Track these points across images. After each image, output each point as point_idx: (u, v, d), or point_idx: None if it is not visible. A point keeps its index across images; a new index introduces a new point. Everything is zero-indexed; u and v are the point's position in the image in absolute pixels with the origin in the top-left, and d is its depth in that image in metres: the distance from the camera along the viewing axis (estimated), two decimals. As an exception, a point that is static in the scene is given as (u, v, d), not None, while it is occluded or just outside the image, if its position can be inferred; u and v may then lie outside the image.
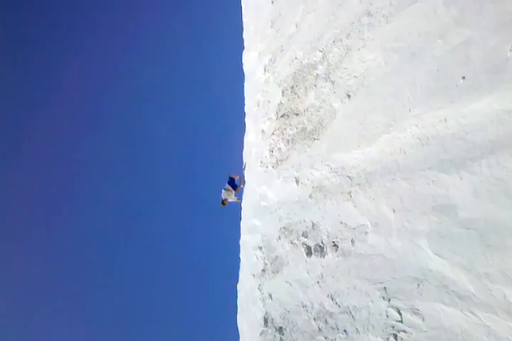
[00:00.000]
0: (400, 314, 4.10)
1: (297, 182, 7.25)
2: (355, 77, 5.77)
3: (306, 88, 7.89)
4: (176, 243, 42.89)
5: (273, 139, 9.65)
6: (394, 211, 4.40)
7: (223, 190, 13.02)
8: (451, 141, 3.77)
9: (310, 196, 6.59)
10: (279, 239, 7.72)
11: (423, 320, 3.84)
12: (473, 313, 3.35)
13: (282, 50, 10.44)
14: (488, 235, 3.27)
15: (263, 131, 10.69)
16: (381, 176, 4.73)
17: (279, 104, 9.84)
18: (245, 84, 15.41)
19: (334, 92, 6.47)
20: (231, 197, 12.99)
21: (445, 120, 3.82)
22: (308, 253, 6.23)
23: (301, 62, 8.57)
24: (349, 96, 5.90)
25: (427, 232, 3.89)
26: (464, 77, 3.70)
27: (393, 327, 4.14)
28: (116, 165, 44.66)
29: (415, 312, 3.93)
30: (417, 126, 4.18)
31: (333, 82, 6.55)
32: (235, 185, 13.02)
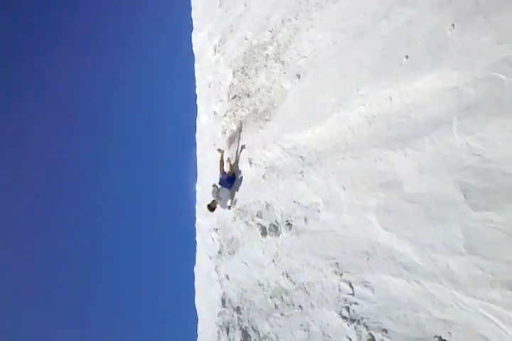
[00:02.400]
0: (351, 287, 4.25)
1: (250, 163, 7.27)
2: (305, 57, 5.80)
3: (256, 69, 7.86)
4: (131, 228, 42.26)
5: (225, 121, 9.59)
6: (344, 188, 4.51)
7: (213, 187, 8.60)
8: (396, 119, 3.89)
9: (263, 177, 6.64)
10: (235, 220, 7.77)
11: (373, 291, 4.00)
12: (418, 283, 3.52)
13: (232, 30, 10.30)
14: (432, 208, 3.43)
15: (215, 113, 10.60)
16: (332, 155, 4.82)
17: (230, 86, 9.76)
18: (196, 65, 15.13)
19: (284, 73, 6.48)
20: (222, 202, 8.50)
21: (390, 99, 3.93)
22: (263, 233, 6.31)
23: (251, 43, 8.50)
24: (299, 76, 5.93)
25: (375, 208, 4.03)
26: (407, 56, 3.80)
27: (345, 300, 4.29)
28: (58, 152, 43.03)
29: (366, 284, 4.09)
30: (364, 105, 4.28)
31: (283, 63, 6.56)
32: (230, 181, 8.51)
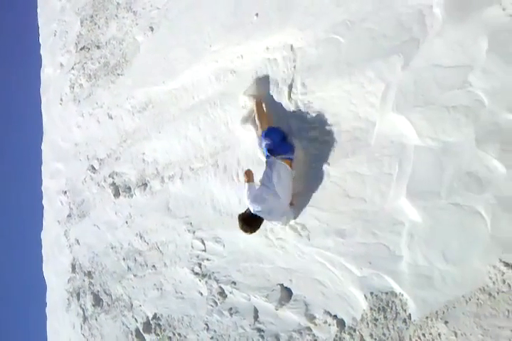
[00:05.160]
0: (203, 244, 4.34)
1: (98, 122, 6.80)
2: (158, 8, 5.47)
3: (107, 18, 7.22)
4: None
5: (73, 74, 8.73)
6: (194, 146, 4.51)
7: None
8: (246, 77, 3.94)
9: (118, 134, 6.27)
10: (85, 181, 7.28)
11: (224, 246, 4.14)
12: (265, 236, 3.73)
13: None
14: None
15: (62, 65, 9.57)
16: (188, 111, 4.73)
17: (78, 36, 8.84)
18: (38, 10, 13.33)
19: (137, 24, 6.06)
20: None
21: (241, 56, 3.94)
22: (116, 194, 6.03)
23: (101, -12, 7.74)
24: (152, 29, 5.60)
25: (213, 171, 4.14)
26: (257, 14, 3.80)
27: (198, 257, 4.37)
28: None
29: (217, 240, 4.21)
30: (216, 61, 4.23)
31: (135, 13, 6.11)
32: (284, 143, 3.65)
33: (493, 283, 2.47)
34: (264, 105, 3.76)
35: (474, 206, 2.58)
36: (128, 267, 5.46)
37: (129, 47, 6.15)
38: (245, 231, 3.34)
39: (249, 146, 3.92)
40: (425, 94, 2.84)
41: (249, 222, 3.33)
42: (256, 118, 3.75)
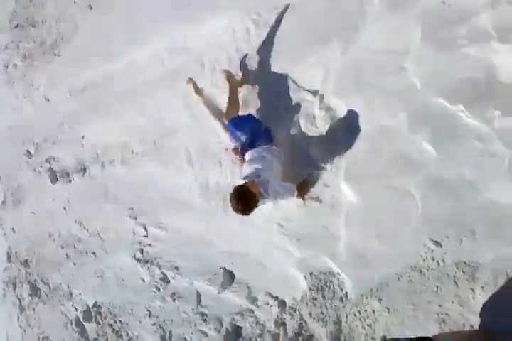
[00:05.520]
0: (145, 229, 4.25)
1: (34, 104, 6.43)
2: (97, -15, 5.22)
3: (42, -6, 6.79)
4: None
5: (7, 54, 8.18)
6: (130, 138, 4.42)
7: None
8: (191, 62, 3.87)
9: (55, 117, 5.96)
10: (20, 167, 6.89)
11: (166, 231, 4.08)
12: (208, 221, 3.73)
13: None
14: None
15: (-7, 43, 8.95)
16: (129, 93, 4.57)
17: (12, 13, 8.26)
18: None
19: (75, 2, 5.74)
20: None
21: (184, 38, 3.86)
22: (54, 180, 5.76)
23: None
24: (91, 7, 5.33)
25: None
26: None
27: (140, 243, 4.28)
28: None
29: (160, 226, 4.14)
30: (159, 42, 4.12)
31: (73, -10, 5.79)
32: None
33: (424, 260, 2.61)
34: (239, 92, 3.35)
35: (407, 188, 2.69)
36: (67, 255, 5.25)
37: (67, 27, 5.83)
38: (242, 209, 2.72)
39: (196, 132, 3.88)
40: (363, 79, 2.92)
41: (246, 195, 2.69)
42: (227, 103, 3.30)
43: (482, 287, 2.42)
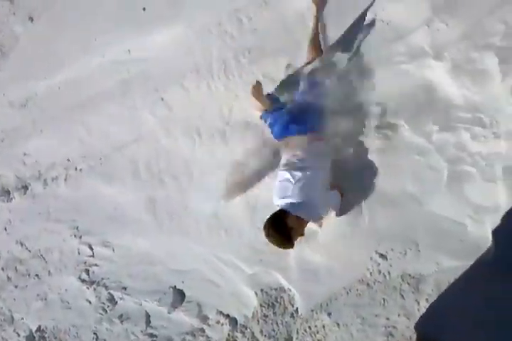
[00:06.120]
0: (91, 249, 4.09)
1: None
2: (38, -3, 5.04)
3: (-21, 5, 6.49)
4: None
5: None
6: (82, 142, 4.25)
7: None
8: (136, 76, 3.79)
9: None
10: (-44, 185, 6.50)
11: (113, 250, 3.93)
12: (157, 239, 3.62)
13: None
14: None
15: None
16: (73, 108, 4.42)
17: None
18: None
19: (14, 14, 5.52)
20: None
21: (129, 51, 3.77)
22: (-8, 198, 5.46)
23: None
24: (32, 19, 5.13)
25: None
26: (144, 9, 3.66)
27: (85, 263, 4.11)
28: None
29: (106, 244, 3.99)
30: (103, 56, 4.00)
31: (11, 1, 5.54)
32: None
33: (370, 273, 2.63)
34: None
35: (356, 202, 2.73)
36: (8, 277, 4.95)
37: (6, 39, 5.59)
38: (283, 243, 2.24)
39: (143, 147, 3.80)
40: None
41: (283, 224, 2.21)
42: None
43: (426, 299, 2.47)
